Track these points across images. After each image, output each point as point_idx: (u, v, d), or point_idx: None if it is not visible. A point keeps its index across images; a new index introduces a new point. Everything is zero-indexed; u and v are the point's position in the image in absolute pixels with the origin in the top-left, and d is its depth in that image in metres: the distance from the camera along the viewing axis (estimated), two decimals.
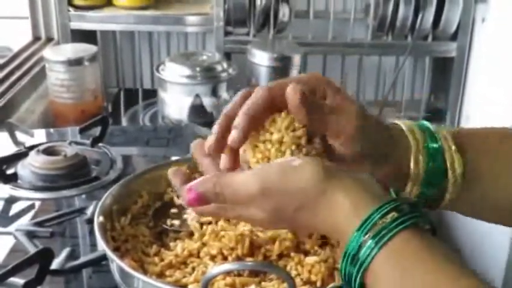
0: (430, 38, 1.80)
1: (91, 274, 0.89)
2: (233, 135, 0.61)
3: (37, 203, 1.09)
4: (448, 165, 0.64)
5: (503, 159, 0.67)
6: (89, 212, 1.01)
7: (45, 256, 0.82)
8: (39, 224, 0.99)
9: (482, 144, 0.68)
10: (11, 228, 0.98)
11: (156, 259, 0.75)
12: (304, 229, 0.68)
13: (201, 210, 0.63)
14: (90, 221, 0.97)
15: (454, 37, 1.79)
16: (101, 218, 0.77)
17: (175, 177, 0.66)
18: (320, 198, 0.56)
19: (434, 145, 0.65)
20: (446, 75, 1.87)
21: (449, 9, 1.73)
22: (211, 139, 0.63)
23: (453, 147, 0.65)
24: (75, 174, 1.14)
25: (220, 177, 0.60)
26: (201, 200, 0.60)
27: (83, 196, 1.11)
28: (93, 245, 0.95)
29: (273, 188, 0.57)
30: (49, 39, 1.88)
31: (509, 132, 0.70)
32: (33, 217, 1.03)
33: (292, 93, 0.60)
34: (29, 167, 1.14)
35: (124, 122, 1.77)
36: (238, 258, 0.74)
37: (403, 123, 0.67)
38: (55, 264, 0.86)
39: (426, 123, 0.68)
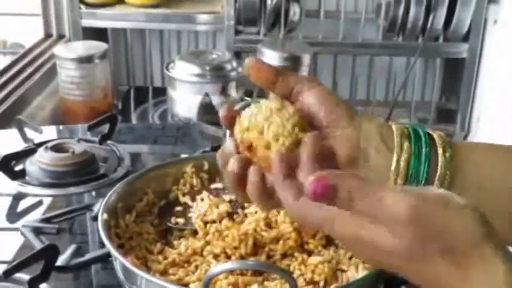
0: (441, 39, 1.79)
1: (97, 271, 0.90)
2: None
3: (45, 200, 1.09)
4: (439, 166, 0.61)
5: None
6: (95, 209, 1.01)
7: (50, 252, 0.82)
8: (46, 220, 0.99)
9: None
10: (18, 224, 0.99)
11: (160, 257, 0.75)
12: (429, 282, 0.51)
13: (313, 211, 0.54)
14: (96, 218, 0.97)
15: (465, 38, 1.78)
16: (105, 216, 0.77)
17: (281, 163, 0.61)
18: (475, 252, 0.47)
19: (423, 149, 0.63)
20: (457, 77, 1.87)
21: (461, 10, 1.72)
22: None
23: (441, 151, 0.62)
24: (83, 171, 1.14)
25: (365, 186, 0.51)
26: (328, 194, 0.50)
27: (91, 193, 1.11)
28: (100, 242, 0.95)
29: (428, 215, 0.48)
30: (60, 37, 1.89)
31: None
32: (41, 214, 1.04)
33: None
34: (37, 164, 1.14)
35: (134, 119, 1.77)
36: (242, 258, 0.74)
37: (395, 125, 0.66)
38: (60, 261, 0.86)
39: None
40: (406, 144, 0.61)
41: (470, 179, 0.61)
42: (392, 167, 0.61)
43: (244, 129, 0.62)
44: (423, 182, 0.61)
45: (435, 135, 0.62)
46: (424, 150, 0.61)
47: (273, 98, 0.64)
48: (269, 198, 0.62)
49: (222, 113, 0.64)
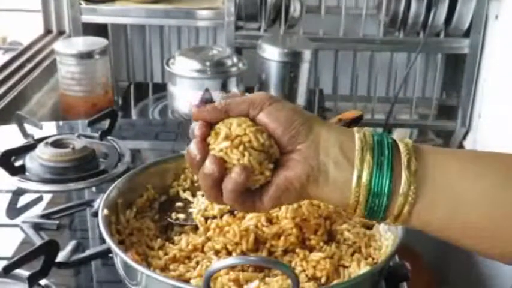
0: (442, 35, 1.78)
1: (97, 267, 0.89)
2: None
3: (45, 196, 1.09)
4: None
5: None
6: (96, 204, 1.01)
7: (50, 248, 0.82)
8: (46, 216, 0.99)
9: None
10: (18, 220, 0.99)
11: (161, 253, 0.75)
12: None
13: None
14: (96, 214, 0.97)
15: (466, 34, 1.77)
16: (106, 211, 0.77)
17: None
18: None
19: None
20: (459, 72, 1.86)
21: (462, 5, 1.72)
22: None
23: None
24: (83, 167, 1.14)
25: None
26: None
27: (91, 189, 1.11)
28: (101, 238, 0.94)
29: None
30: (60, 33, 1.88)
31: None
32: (41, 209, 1.03)
33: None
34: (37, 160, 1.14)
35: (134, 115, 1.77)
36: (243, 254, 0.74)
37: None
38: (60, 257, 0.86)
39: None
40: (367, 158, 0.59)
41: (442, 190, 0.59)
42: (353, 183, 0.59)
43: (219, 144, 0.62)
44: (387, 195, 0.59)
45: (401, 146, 0.60)
46: (386, 164, 0.59)
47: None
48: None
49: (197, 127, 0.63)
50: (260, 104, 0.63)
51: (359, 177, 0.59)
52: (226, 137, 0.61)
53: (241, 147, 0.61)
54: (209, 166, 0.61)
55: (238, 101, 0.64)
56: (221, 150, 0.61)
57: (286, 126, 0.61)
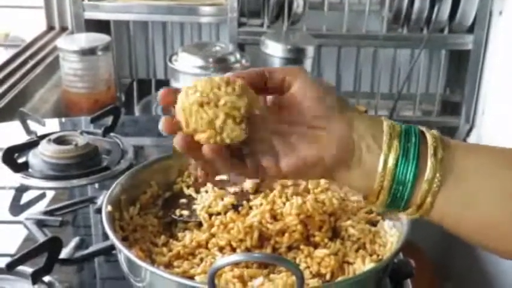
0: (446, 31, 1.78)
1: (101, 263, 0.89)
2: None
3: (48, 192, 1.09)
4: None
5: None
6: (99, 201, 1.01)
7: (53, 245, 0.82)
8: (49, 213, 0.99)
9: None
10: (22, 217, 0.98)
11: (164, 249, 0.75)
12: None
13: None
14: (99, 211, 0.97)
15: (470, 30, 1.77)
16: (109, 208, 0.77)
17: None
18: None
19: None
20: (462, 69, 1.85)
21: (466, 1, 1.71)
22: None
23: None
24: (86, 163, 1.14)
25: None
26: None
27: (94, 185, 1.11)
28: (104, 235, 0.94)
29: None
30: (63, 29, 1.88)
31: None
32: (44, 206, 1.03)
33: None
34: (40, 156, 1.14)
35: (137, 112, 1.77)
36: (247, 250, 0.74)
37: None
38: (64, 254, 0.86)
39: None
40: (395, 144, 0.59)
41: (464, 182, 0.59)
42: (379, 168, 0.59)
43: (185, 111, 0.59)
44: (411, 183, 0.58)
45: (428, 135, 0.60)
46: (412, 151, 0.59)
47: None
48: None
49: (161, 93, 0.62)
50: (298, 74, 0.62)
51: (385, 162, 0.59)
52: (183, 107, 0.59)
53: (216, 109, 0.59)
54: (176, 144, 0.60)
55: (274, 68, 0.64)
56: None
57: (322, 99, 0.61)
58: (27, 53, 1.68)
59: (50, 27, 1.88)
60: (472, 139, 1.86)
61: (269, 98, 0.64)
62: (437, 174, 0.58)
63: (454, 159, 0.59)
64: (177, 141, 0.60)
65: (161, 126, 0.61)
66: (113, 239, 0.71)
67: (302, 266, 0.72)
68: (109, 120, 1.25)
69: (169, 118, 0.61)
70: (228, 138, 0.59)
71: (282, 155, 0.61)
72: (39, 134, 1.21)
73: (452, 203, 0.59)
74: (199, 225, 0.79)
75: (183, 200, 0.85)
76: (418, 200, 0.59)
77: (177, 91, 0.61)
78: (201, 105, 0.59)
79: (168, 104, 0.62)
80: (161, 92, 0.63)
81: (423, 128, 0.61)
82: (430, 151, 0.58)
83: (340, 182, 0.64)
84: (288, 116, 0.61)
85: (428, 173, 0.58)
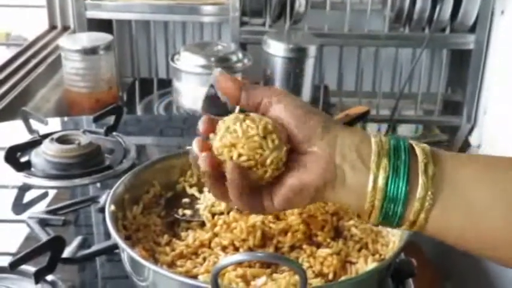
0: (448, 30, 1.78)
1: (103, 263, 0.89)
2: None
3: (50, 191, 1.09)
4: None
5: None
6: (101, 200, 1.01)
7: (56, 244, 0.82)
8: (52, 212, 0.99)
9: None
10: (24, 216, 0.99)
11: (167, 249, 0.75)
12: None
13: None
14: (102, 210, 0.97)
15: (472, 29, 1.77)
16: (113, 207, 0.77)
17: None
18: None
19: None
20: (464, 68, 1.85)
21: (468, 1, 1.71)
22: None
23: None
24: (89, 162, 1.14)
25: None
26: None
27: (96, 185, 1.11)
28: (106, 234, 0.94)
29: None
30: (65, 28, 1.88)
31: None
32: (46, 205, 1.03)
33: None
34: (43, 155, 1.14)
35: (139, 111, 1.76)
36: (250, 250, 0.74)
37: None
38: (67, 253, 0.86)
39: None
40: (384, 162, 0.57)
41: (458, 195, 0.58)
42: (369, 187, 0.57)
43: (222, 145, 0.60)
44: (403, 201, 0.57)
45: (418, 150, 0.59)
46: (402, 169, 0.57)
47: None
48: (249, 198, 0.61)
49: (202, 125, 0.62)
50: (276, 95, 0.61)
51: (375, 181, 0.57)
52: (223, 136, 0.60)
53: (245, 141, 0.59)
54: (203, 164, 0.60)
55: (254, 86, 0.62)
56: (217, 148, 0.60)
57: (302, 123, 0.60)
58: (29, 52, 1.68)
59: (52, 27, 1.88)
60: (473, 138, 1.86)
61: None
62: (429, 192, 0.57)
63: (447, 174, 0.58)
64: (205, 160, 0.60)
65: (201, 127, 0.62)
66: (117, 238, 0.71)
67: (305, 265, 0.72)
68: (111, 119, 1.25)
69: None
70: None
71: (272, 191, 0.61)
72: (41, 133, 1.21)
73: (448, 218, 0.58)
74: (202, 224, 0.79)
75: (186, 200, 0.85)
76: (411, 217, 0.58)
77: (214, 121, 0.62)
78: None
79: (207, 133, 0.62)
80: (203, 120, 0.62)
81: (413, 143, 0.60)
82: (421, 168, 0.57)
83: (331, 202, 0.63)
84: None
85: (419, 191, 0.57)
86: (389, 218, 0.59)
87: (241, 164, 0.59)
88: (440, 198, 0.57)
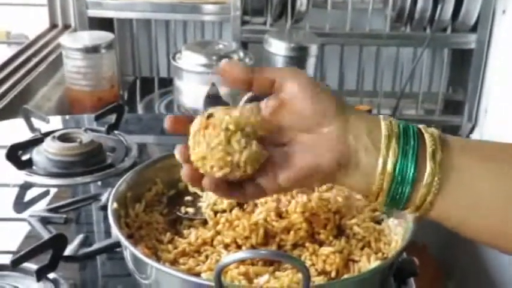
0: (449, 30, 1.78)
1: (104, 261, 0.89)
2: None
3: (52, 190, 1.09)
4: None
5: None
6: (103, 198, 1.01)
7: (58, 242, 0.82)
8: (54, 210, 0.99)
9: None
10: (26, 214, 0.99)
11: (170, 247, 0.75)
12: None
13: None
14: (104, 208, 0.97)
15: (473, 29, 1.77)
16: (115, 205, 0.77)
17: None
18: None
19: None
20: (465, 68, 1.85)
21: (469, 0, 1.71)
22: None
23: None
24: (90, 161, 1.14)
25: None
26: None
27: (98, 183, 1.11)
28: (107, 232, 0.95)
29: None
30: (66, 27, 1.88)
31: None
32: (48, 203, 1.03)
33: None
34: (44, 154, 1.14)
35: (140, 110, 1.77)
36: (252, 248, 0.74)
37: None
38: (68, 251, 0.86)
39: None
40: (393, 146, 0.58)
41: (464, 183, 0.58)
42: (378, 170, 0.58)
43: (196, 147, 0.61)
44: (410, 184, 0.58)
45: (426, 135, 0.59)
46: (411, 153, 0.58)
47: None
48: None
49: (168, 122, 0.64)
50: (290, 75, 0.61)
51: (384, 164, 0.58)
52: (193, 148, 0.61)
53: (241, 134, 0.60)
54: (184, 178, 0.64)
55: (262, 69, 0.62)
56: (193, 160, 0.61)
57: (317, 100, 0.59)
58: (30, 51, 1.68)
59: (53, 25, 1.88)
60: (474, 138, 1.86)
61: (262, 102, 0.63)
62: (436, 178, 0.58)
63: (454, 160, 0.58)
64: (184, 174, 0.63)
65: (166, 125, 0.62)
66: (119, 236, 0.71)
67: (307, 263, 0.72)
68: (112, 118, 1.25)
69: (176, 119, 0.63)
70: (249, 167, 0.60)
71: (278, 170, 0.61)
72: (43, 132, 1.22)
73: (453, 204, 0.59)
74: (205, 222, 0.79)
75: (188, 198, 0.85)
76: (417, 201, 0.59)
77: (183, 120, 0.63)
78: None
79: (175, 132, 0.63)
80: (168, 118, 0.64)
81: (422, 127, 0.61)
82: (429, 154, 0.58)
83: (341, 184, 0.63)
84: (281, 121, 0.61)
85: (427, 176, 0.58)
86: (396, 201, 0.60)
87: (216, 175, 0.60)
88: (446, 184, 0.58)
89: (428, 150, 0.58)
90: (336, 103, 0.60)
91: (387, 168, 0.58)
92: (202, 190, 0.85)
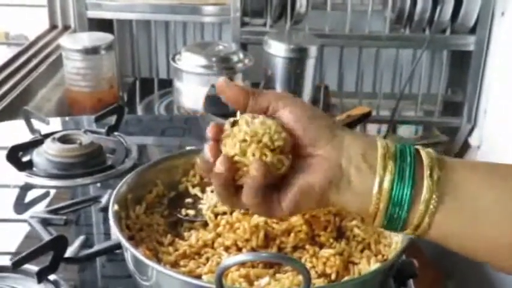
0: (448, 31, 1.78)
1: (104, 263, 0.89)
2: None
3: (52, 191, 1.09)
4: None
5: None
6: (103, 200, 1.01)
7: (59, 244, 0.82)
8: (54, 211, 0.99)
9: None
10: (26, 215, 0.99)
11: (171, 249, 0.75)
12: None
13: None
14: (104, 209, 0.97)
15: (472, 30, 1.77)
16: (116, 207, 0.77)
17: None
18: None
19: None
20: (464, 69, 1.86)
21: (468, 2, 1.71)
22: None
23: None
24: (90, 162, 1.14)
25: None
26: None
27: (98, 184, 1.11)
28: (107, 234, 0.95)
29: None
30: (66, 28, 1.88)
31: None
32: (48, 205, 1.03)
33: None
34: (44, 155, 1.14)
35: (139, 111, 1.77)
36: (253, 250, 0.74)
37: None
38: (69, 252, 0.86)
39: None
40: (390, 165, 0.58)
41: (462, 201, 0.58)
42: (375, 190, 0.58)
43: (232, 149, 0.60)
44: (407, 204, 0.58)
45: (423, 154, 0.59)
46: (408, 171, 0.58)
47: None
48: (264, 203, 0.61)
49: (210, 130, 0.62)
50: (284, 100, 0.62)
51: (380, 183, 0.58)
52: (244, 138, 0.60)
53: (256, 146, 0.60)
54: (219, 165, 0.60)
55: (261, 92, 0.63)
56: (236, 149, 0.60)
57: (309, 127, 0.60)
58: (30, 52, 1.68)
59: (53, 26, 1.88)
60: (473, 139, 1.86)
61: None
62: (434, 196, 0.57)
63: (451, 179, 0.58)
64: (221, 161, 0.60)
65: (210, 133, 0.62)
66: (120, 237, 0.71)
67: (307, 265, 0.72)
68: (112, 119, 1.25)
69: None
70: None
71: (281, 196, 0.61)
72: (43, 133, 1.21)
73: (451, 223, 0.58)
74: (205, 224, 0.79)
75: (189, 200, 0.85)
76: (415, 221, 0.58)
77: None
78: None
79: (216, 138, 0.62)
80: (212, 126, 0.62)
81: (419, 147, 0.61)
82: (427, 172, 0.58)
83: (336, 205, 0.63)
84: None
85: (425, 193, 0.57)
86: (394, 221, 0.59)
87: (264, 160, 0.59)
88: (444, 203, 0.58)
89: (426, 168, 0.58)
90: (328, 128, 0.60)
91: (384, 187, 0.58)
92: (203, 191, 0.86)
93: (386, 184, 0.58)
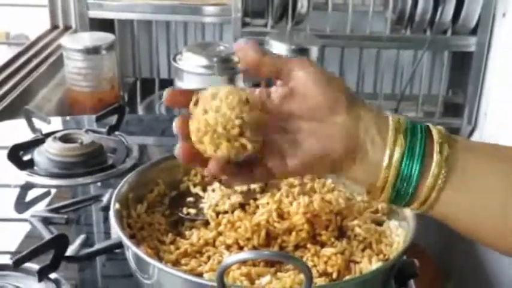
0: (449, 32, 1.78)
1: (105, 262, 0.89)
2: None
3: (53, 190, 1.09)
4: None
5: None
6: (104, 199, 1.01)
7: (60, 242, 0.82)
8: (55, 210, 0.99)
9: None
10: (27, 214, 0.99)
11: (172, 247, 0.75)
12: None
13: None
14: (105, 209, 0.97)
15: (473, 31, 1.77)
16: (117, 205, 0.77)
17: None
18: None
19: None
20: (465, 70, 1.85)
21: (470, 3, 1.71)
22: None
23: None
24: (91, 162, 1.14)
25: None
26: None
27: (99, 184, 1.11)
28: (107, 233, 0.95)
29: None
30: (67, 28, 1.88)
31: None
32: (49, 204, 1.03)
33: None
34: (46, 154, 1.14)
35: (140, 111, 1.77)
36: (254, 249, 0.74)
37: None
38: (70, 251, 0.86)
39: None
40: (400, 139, 0.58)
41: (468, 180, 0.58)
42: (384, 163, 0.58)
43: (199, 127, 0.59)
44: (415, 179, 0.58)
45: (434, 131, 0.60)
46: (418, 146, 0.58)
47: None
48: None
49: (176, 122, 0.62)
50: (299, 64, 0.61)
51: (390, 157, 0.58)
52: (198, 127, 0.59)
53: (210, 136, 0.58)
54: (179, 158, 0.62)
55: (274, 55, 0.62)
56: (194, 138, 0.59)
57: (326, 90, 0.59)
58: (31, 52, 1.68)
59: (54, 26, 1.88)
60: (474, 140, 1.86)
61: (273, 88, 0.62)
62: (443, 171, 0.57)
63: (460, 157, 0.58)
64: (181, 153, 0.61)
65: (175, 128, 0.61)
66: (122, 236, 0.71)
67: (309, 264, 0.72)
68: (113, 119, 1.25)
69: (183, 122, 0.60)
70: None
71: (287, 154, 0.60)
72: (44, 132, 1.22)
73: (457, 201, 0.59)
74: (206, 223, 0.80)
75: (190, 199, 0.85)
76: (422, 197, 0.59)
77: (184, 93, 0.62)
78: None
79: (173, 106, 0.62)
80: (167, 92, 0.62)
81: (429, 124, 0.61)
82: (436, 148, 0.58)
83: (346, 176, 0.63)
84: (291, 108, 0.60)
85: (433, 169, 0.58)
86: (401, 196, 0.60)
87: (217, 155, 0.58)
88: (451, 180, 0.58)
89: (436, 144, 0.58)
90: (346, 93, 0.60)
91: (393, 161, 0.58)
92: (204, 190, 0.86)
93: (396, 158, 0.58)
